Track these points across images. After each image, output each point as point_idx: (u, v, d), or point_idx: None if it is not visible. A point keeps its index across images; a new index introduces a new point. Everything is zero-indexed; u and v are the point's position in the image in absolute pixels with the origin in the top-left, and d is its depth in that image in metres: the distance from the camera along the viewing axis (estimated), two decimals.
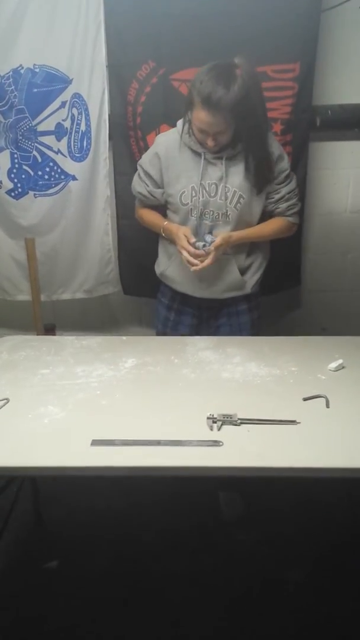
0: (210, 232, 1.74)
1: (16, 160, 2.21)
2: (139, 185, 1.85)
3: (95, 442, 1.17)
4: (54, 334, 2.44)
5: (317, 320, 2.58)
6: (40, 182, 2.24)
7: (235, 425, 1.23)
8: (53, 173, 2.24)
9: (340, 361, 1.50)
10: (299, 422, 1.24)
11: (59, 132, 2.18)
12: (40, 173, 2.23)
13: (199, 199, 1.70)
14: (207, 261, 1.67)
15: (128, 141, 2.20)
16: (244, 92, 1.52)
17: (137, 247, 2.27)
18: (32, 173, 2.23)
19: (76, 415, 1.29)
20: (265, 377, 1.47)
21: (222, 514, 2.03)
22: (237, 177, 1.70)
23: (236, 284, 1.81)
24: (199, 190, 1.70)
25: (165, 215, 1.86)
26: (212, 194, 1.71)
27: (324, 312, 2.58)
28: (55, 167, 2.23)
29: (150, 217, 1.88)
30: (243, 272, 1.82)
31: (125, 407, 1.33)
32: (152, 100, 2.11)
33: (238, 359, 1.57)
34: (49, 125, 2.16)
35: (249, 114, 1.57)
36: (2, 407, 1.32)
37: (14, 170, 2.23)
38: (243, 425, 1.23)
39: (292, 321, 2.61)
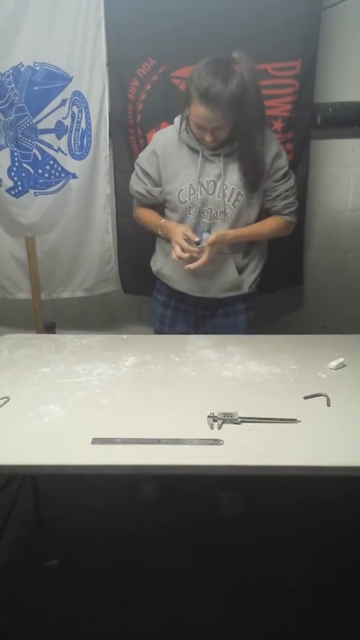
0: (209, 231, 1.74)
1: (16, 159, 2.21)
2: (136, 184, 1.84)
3: (95, 441, 1.16)
4: (54, 333, 2.44)
5: (317, 318, 2.58)
6: (41, 181, 2.24)
7: (236, 423, 1.23)
8: (53, 171, 2.23)
9: (341, 359, 1.50)
10: (299, 421, 1.23)
11: (59, 130, 2.18)
12: (40, 171, 2.23)
13: (197, 196, 1.69)
14: (202, 259, 1.65)
15: (128, 139, 2.19)
16: (242, 87, 1.50)
17: (137, 245, 2.26)
18: (32, 171, 2.23)
19: (76, 413, 1.29)
20: (266, 375, 1.47)
21: (222, 512, 2.03)
22: (235, 175, 1.69)
23: (234, 283, 1.80)
24: (197, 187, 1.69)
25: (163, 215, 1.85)
26: (211, 192, 1.70)
27: (325, 311, 2.58)
28: (55, 165, 2.23)
29: (147, 216, 1.87)
30: (240, 271, 1.81)
31: (126, 405, 1.33)
32: (152, 98, 2.11)
33: (238, 358, 1.57)
34: (49, 123, 2.16)
35: (247, 109, 1.55)
36: (2, 405, 1.32)
37: (14, 169, 2.22)
38: (243, 424, 1.23)
39: (293, 320, 2.60)
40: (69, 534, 1.97)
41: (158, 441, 1.16)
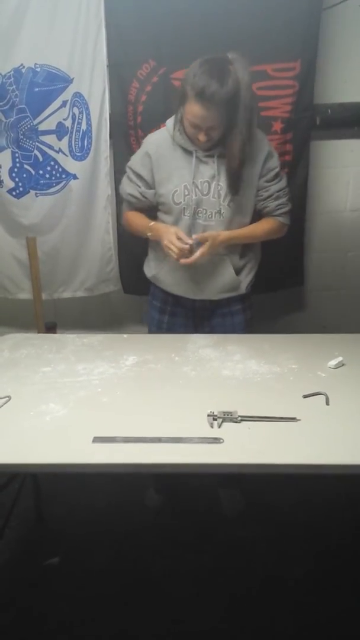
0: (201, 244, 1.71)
1: (17, 160, 2.22)
2: (129, 186, 1.81)
3: (96, 439, 1.17)
4: (55, 332, 2.45)
5: (317, 318, 2.59)
6: (42, 181, 2.25)
7: (236, 422, 1.24)
8: (54, 172, 2.24)
9: (340, 359, 1.51)
10: (299, 419, 1.24)
11: (60, 131, 2.18)
12: (41, 172, 2.24)
13: (191, 197, 1.69)
14: (197, 254, 1.63)
15: (129, 140, 2.20)
16: (237, 88, 1.51)
17: (137, 246, 2.27)
18: (33, 172, 2.23)
19: (77, 412, 1.30)
20: (266, 374, 1.47)
21: (223, 511, 2.04)
22: None
23: (231, 284, 1.80)
24: (192, 189, 1.68)
25: (155, 219, 1.82)
26: (205, 192, 1.70)
27: (325, 310, 2.58)
28: (56, 166, 2.23)
29: (136, 219, 1.83)
30: (238, 272, 1.81)
31: (126, 404, 1.34)
32: (152, 100, 2.12)
33: (238, 357, 1.57)
34: (50, 124, 2.16)
35: (241, 110, 1.56)
36: (4, 404, 1.33)
37: (15, 170, 2.23)
38: (243, 423, 1.24)
39: (293, 319, 2.61)
40: (70, 532, 1.97)
41: (158, 440, 1.17)
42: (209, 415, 1.24)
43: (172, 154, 1.70)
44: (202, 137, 1.59)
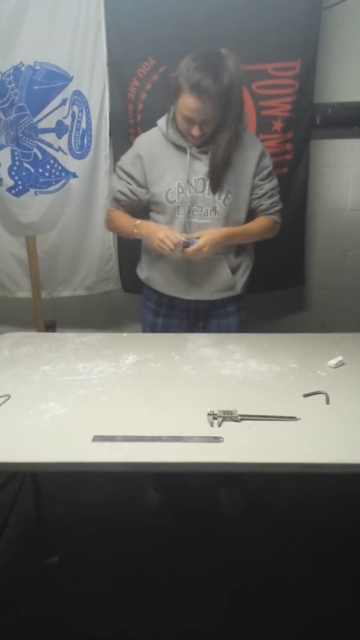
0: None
1: (17, 158, 2.22)
2: (119, 184, 1.77)
3: (96, 438, 1.17)
4: (54, 331, 2.45)
5: (317, 317, 2.59)
6: (41, 180, 2.25)
7: (236, 421, 1.23)
8: (54, 170, 2.24)
9: (340, 358, 1.51)
10: (299, 419, 1.24)
11: (59, 129, 2.18)
12: (40, 170, 2.23)
13: (185, 195, 1.68)
14: (200, 242, 1.61)
15: (128, 138, 2.20)
16: (231, 82, 1.51)
17: (137, 244, 2.27)
18: (32, 170, 2.23)
19: (77, 411, 1.29)
20: (266, 373, 1.47)
21: (223, 510, 2.04)
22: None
23: (227, 284, 1.80)
24: (186, 187, 1.67)
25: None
26: (200, 190, 1.69)
27: (324, 309, 2.58)
28: (55, 165, 2.23)
29: (120, 218, 1.80)
30: (233, 271, 1.80)
31: (126, 403, 1.33)
32: (152, 98, 2.12)
33: (238, 356, 1.57)
34: (49, 122, 2.16)
35: (232, 105, 1.56)
36: (3, 403, 1.32)
37: (15, 168, 2.23)
38: (243, 422, 1.23)
39: (293, 318, 2.61)
40: (70, 531, 1.97)
41: (158, 439, 1.17)
42: (209, 414, 1.24)
43: (165, 152, 1.69)
44: (195, 132, 1.58)
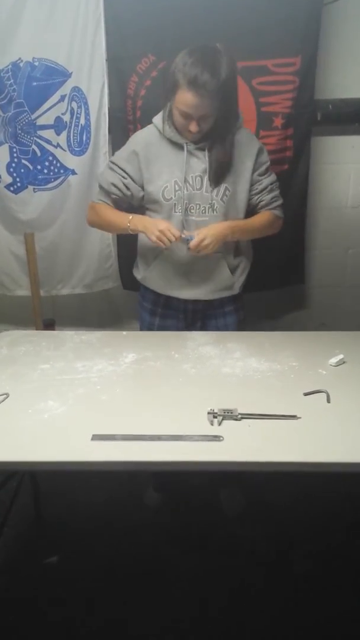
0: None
1: (15, 155, 2.20)
2: (112, 176, 1.71)
3: (95, 437, 1.16)
4: (53, 329, 2.44)
5: (317, 315, 2.58)
6: (40, 177, 2.23)
7: (236, 420, 1.23)
8: (52, 167, 2.23)
9: (340, 356, 1.50)
10: (299, 417, 1.23)
11: (58, 126, 2.17)
12: (39, 167, 2.22)
13: (182, 192, 1.66)
14: (195, 241, 1.59)
15: (127, 135, 2.17)
16: (227, 78, 1.50)
17: (137, 241, 2.26)
18: (31, 167, 2.22)
19: (76, 410, 1.28)
20: (266, 372, 1.46)
21: (223, 509, 2.04)
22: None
23: (226, 284, 1.78)
24: (183, 184, 1.66)
25: None
26: (198, 187, 1.67)
27: (325, 308, 2.58)
28: (54, 161, 2.22)
29: (110, 212, 1.74)
30: (232, 271, 1.79)
31: (126, 402, 1.33)
32: (152, 94, 2.10)
33: (238, 354, 1.57)
34: (48, 119, 2.15)
35: (228, 101, 1.55)
36: (2, 402, 1.32)
37: (13, 165, 2.22)
38: (244, 420, 1.23)
39: (294, 317, 2.60)
40: (69, 531, 1.96)
41: (158, 437, 1.16)
42: (209, 413, 1.23)
43: (161, 150, 1.68)
44: (193, 127, 1.57)
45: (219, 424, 1.22)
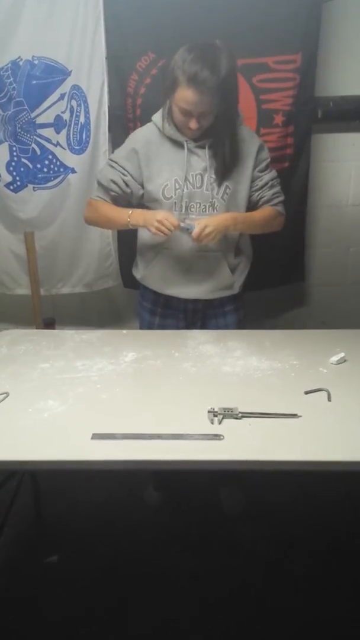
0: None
1: (15, 153, 2.20)
2: (112, 173, 1.70)
3: (95, 436, 1.16)
4: (53, 328, 2.43)
5: (318, 314, 2.57)
6: (40, 175, 2.23)
7: (236, 418, 1.22)
8: (52, 166, 2.22)
9: (341, 354, 1.49)
10: (300, 416, 1.23)
11: (58, 124, 2.16)
12: (39, 166, 2.22)
13: (182, 191, 1.66)
14: (197, 230, 1.57)
15: (128, 133, 2.16)
16: (228, 74, 1.49)
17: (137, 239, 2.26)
18: (31, 166, 2.21)
19: (76, 409, 1.28)
20: (266, 370, 1.46)
21: (223, 509, 2.03)
22: None
23: (226, 283, 1.78)
24: (183, 183, 1.65)
25: None
26: (198, 185, 1.67)
27: (326, 306, 2.57)
28: (54, 160, 2.21)
29: (110, 208, 1.73)
30: (232, 270, 1.78)
31: (126, 401, 1.32)
32: (152, 92, 2.10)
33: (239, 353, 1.56)
34: (48, 117, 2.14)
35: (229, 97, 1.55)
36: (1, 401, 1.31)
37: (13, 163, 2.21)
38: (244, 419, 1.22)
39: (294, 315, 2.60)
40: (69, 530, 1.96)
41: (158, 436, 1.16)
42: (209, 412, 1.23)
43: (161, 148, 1.67)
44: (193, 125, 1.56)
45: (219, 422, 1.21)
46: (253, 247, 1.87)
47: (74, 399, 1.32)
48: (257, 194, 1.75)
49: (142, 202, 1.75)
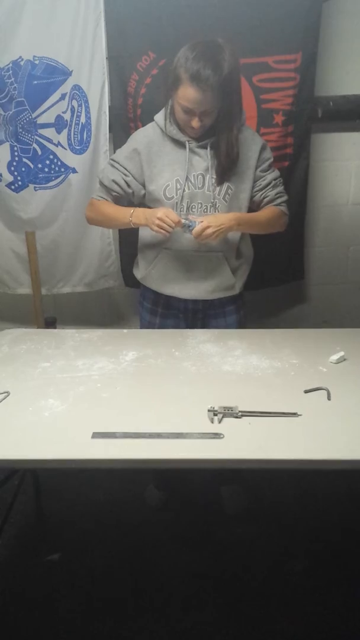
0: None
1: (16, 153, 2.20)
2: (113, 173, 1.71)
3: (96, 435, 1.16)
4: (54, 328, 2.44)
5: (318, 313, 2.57)
6: (41, 175, 2.23)
7: (236, 417, 1.23)
8: (53, 166, 2.23)
9: (341, 353, 1.50)
10: (300, 415, 1.23)
11: (59, 124, 2.17)
12: (40, 166, 2.22)
13: (184, 191, 1.66)
14: (198, 228, 1.56)
15: (128, 133, 2.16)
16: (230, 72, 1.49)
17: (138, 238, 2.26)
18: (32, 166, 2.22)
19: (77, 408, 1.29)
20: (266, 369, 1.46)
21: (224, 507, 2.04)
22: None
23: (227, 284, 1.78)
24: (184, 183, 1.65)
25: None
26: (200, 186, 1.66)
27: (326, 305, 2.57)
28: (55, 160, 2.22)
29: (112, 208, 1.74)
30: (233, 272, 1.78)
31: (126, 399, 1.33)
32: (152, 92, 2.10)
33: (239, 352, 1.56)
34: (48, 117, 2.15)
35: (232, 96, 1.54)
36: (2, 400, 1.32)
37: (14, 163, 2.22)
38: (244, 418, 1.23)
39: (294, 314, 2.60)
40: (70, 528, 1.97)
41: (158, 435, 1.16)
42: (209, 411, 1.23)
43: (163, 148, 1.67)
44: (195, 123, 1.56)
45: (220, 421, 1.21)
46: (253, 246, 1.87)
47: (75, 398, 1.33)
48: (260, 193, 1.75)
49: (143, 202, 1.76)
